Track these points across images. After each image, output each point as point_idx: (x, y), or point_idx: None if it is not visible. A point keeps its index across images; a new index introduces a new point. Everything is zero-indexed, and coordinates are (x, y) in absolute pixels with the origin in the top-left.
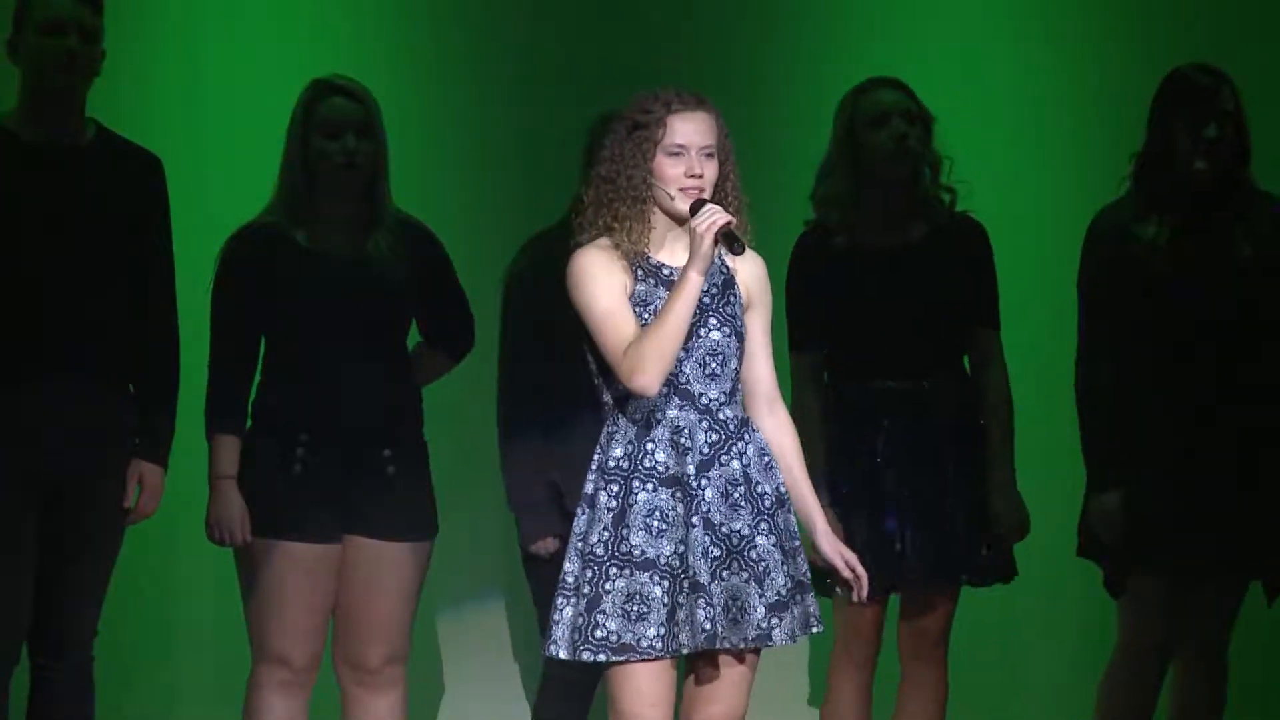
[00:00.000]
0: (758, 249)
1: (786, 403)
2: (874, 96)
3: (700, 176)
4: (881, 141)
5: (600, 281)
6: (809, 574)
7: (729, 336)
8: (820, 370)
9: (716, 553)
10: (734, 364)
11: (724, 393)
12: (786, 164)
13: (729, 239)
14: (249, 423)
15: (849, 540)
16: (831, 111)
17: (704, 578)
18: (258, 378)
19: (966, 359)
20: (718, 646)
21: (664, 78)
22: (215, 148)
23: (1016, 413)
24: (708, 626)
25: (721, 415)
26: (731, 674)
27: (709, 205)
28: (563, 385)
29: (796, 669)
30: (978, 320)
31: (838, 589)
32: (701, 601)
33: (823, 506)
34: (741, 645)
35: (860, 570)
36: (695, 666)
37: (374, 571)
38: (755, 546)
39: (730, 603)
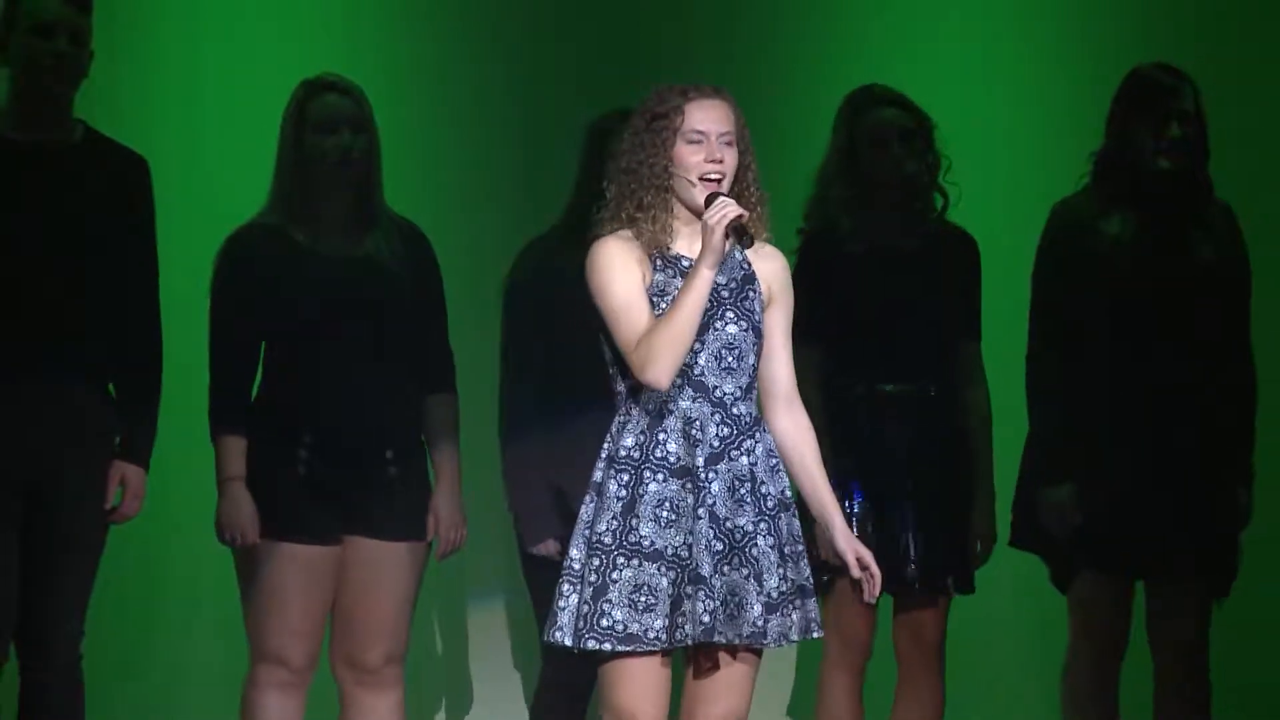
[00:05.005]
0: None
1: None
2: (873, 116)
3: (720, 162)
4: (880, 164)
5: (618, 272)
6: (811, 579)
7: (746, 331)
8: (819, 366)
9: (719, 546)
10: (751, 359)
11: (739, 388)
12: (786, 164)
13: (739, 232)
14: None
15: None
16: (830, 113)
17: (706, 570)
18: (259, 378)
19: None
20: (715, 640)
21: (664, 77)
22: (215, 148)
23: (1003, 419)
24: (706, 620)
25: (735, 410)
26: (732, 673)
27: (722, 198)
28: (563, 388)
29: (783, 677)
30: (961, 333)
31: (849, 583)
32: (703, 594)
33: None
34: (736, 641)
35: (874, 569)
36: (696, 665)
37: (374, 572)
38: (756, 545)
39: (729, 598)
